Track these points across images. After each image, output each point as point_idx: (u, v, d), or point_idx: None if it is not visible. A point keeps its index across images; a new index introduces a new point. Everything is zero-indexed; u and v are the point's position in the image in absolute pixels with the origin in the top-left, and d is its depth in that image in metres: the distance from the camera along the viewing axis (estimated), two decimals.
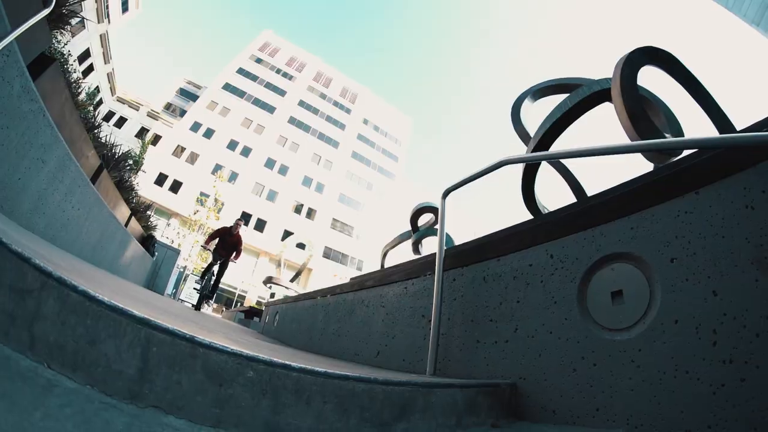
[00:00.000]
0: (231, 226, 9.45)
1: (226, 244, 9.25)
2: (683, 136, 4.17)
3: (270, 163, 52.06)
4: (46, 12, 3.98)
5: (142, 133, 45.84)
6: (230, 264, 9.66)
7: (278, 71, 61.03)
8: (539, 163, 5.00)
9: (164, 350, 0.91)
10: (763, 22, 41.97)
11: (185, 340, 0.93)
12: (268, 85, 58.37)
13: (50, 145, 4.51)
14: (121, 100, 46.95)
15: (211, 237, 9.28)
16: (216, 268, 9.38)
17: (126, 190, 10.10)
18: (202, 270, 9.66)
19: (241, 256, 9.52)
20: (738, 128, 3.73)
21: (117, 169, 9.30)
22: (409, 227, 9.80)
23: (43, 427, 0.67)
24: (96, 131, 8.36)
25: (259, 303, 36.30)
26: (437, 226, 2.87)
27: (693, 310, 1.60)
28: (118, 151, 9.83)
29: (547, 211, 5.06)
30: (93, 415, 0.74)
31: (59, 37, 8.25)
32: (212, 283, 9.27)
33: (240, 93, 55.29)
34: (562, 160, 5.81)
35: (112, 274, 6.84)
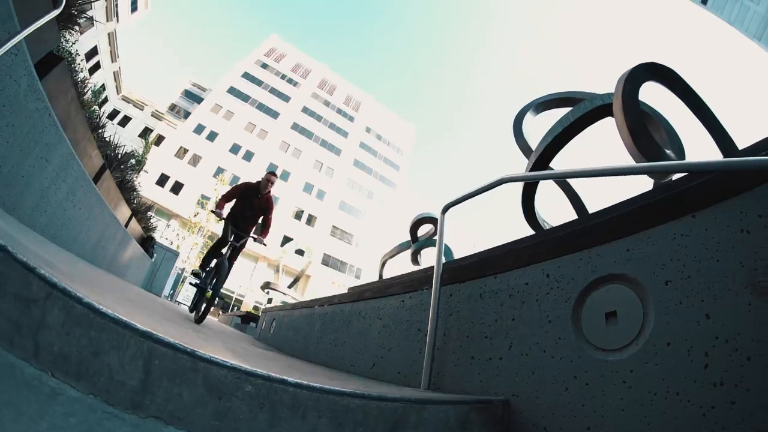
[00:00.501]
0: (259, 182, 6.27)
1: (251, 207, 6.25)
2: (684, 151, 4.25)
3: (272, 169, 52.12)
4: (55, 13, 4.03)
5: (145, 133, 46.13)
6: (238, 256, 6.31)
7: (283, 77, 61.43)
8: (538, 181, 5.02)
9: (166, 363, 0.94)
10: (765, 36, 42.58)
11: (186, 354, 0.96)
12: (273, 91, 58.70)
13: (54, 144, 4.57)
14: (126, 99, 47.15)
15: (227, 197, 6.25)
16: (225, 252, 5.94)
17: (127, 191, 10.12)
18: (205, 254, 6.33)
19: (246, 243, 6.21)
20: (739, 144, 3.79)
21: (119, 169, 9.32)
22: (408, 237, 9.84)
23: None
24: (100, 131, 8.42)
25: (256, 308, 36.23)
26: (436, 238, 2.91)
27: (686, 333, 1.62)
28: (121, 152, 9.86)
29: (547, 226, 5.10)
30: (96, 425, 0.77)
31: (67, 36, 8.33)
32: (219, 274, 5.53)
33: (245, 97, 55.58)
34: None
35: (111, 274, 6.86)
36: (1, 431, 0.64)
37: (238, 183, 6.64)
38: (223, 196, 6.27)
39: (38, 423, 0.72)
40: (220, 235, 6.35)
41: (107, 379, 0.89)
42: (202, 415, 0.93)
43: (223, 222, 6.30)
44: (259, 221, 6.50)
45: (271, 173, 6.41)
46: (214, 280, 5.59)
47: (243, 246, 6.17)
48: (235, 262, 6.17)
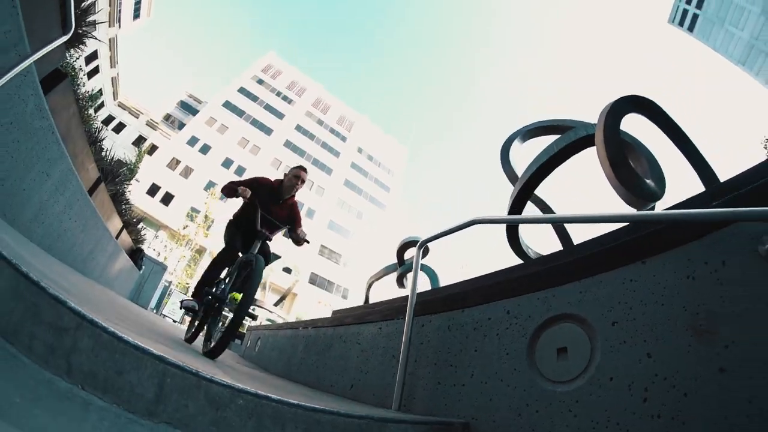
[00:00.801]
0: (281, 180, 4.48)
1: (267, 214, 4.20)
2: (664, 180, 4.35)
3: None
4: (64, 39, 4.23)
5: (139, 141, 45.91)
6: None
7: (278, 94, 61.71)
8: (524, 204, 5.18)
9: (176, 381, 1.17)
10: (749, 61, 44.16)
11: (192, 374, 1.19)
12: (268, 107, 58.90)
13: (56, 160, 4.75)
14: (122, 106, 47.00)
15: (238, 183, 4.25)
16: (243, 259, 3.95)
17: (120, 203, 10.26)
18: (203, 275, 4.22)
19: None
20: (719, 173, 3.88)
21: (114, 182, 9.49)
22: (395, 260, 9.98)
23: None
24: (98, 144, 8.60)
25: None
26: (410, 274, 3.11)
27: (628, 370, 1.78)
28: (116, 164, 10.02)
29: (531, 252, 5.23)
30: (123, 428, 0.99)
31: (72, 52, 8.56)
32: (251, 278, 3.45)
33: (239, 112, 55.72)
34: (547, 201, 6.00)
35: (101, 285, 6.99)
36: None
37: (254, 177, 4.48)
38: (232, 182, 4.30)
39: (83, 426, 0.94)
40: (224, 247, 4.27)
41: (128, 393, 1.11)
42: (203, 422, 1.15)
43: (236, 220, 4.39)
44: (282, 234, 4.44)
45: (301, 168, 4.45)
46: (241, 286, 3.70)
47: (266, 246, 4.33)
48: (269, 261, 4.24)
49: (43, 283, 1.22)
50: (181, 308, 4.32)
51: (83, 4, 6.62)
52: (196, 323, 4.33)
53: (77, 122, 6.57)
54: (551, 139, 4.94)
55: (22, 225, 4.41)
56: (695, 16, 53.47)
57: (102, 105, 39.45)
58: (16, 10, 3.51)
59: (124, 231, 10.85)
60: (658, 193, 3.95)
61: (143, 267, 13.42)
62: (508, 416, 2.14)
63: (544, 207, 6.11)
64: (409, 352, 2.76)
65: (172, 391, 1.15)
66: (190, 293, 4.50)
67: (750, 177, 2.25)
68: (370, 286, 10.58)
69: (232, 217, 4.56)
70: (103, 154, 9.00)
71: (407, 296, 3.02)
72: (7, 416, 0.76)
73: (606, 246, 2.29)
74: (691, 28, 54.74)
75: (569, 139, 4.53)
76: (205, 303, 4.10)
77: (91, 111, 10.30)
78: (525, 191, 4.68)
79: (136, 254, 12.59)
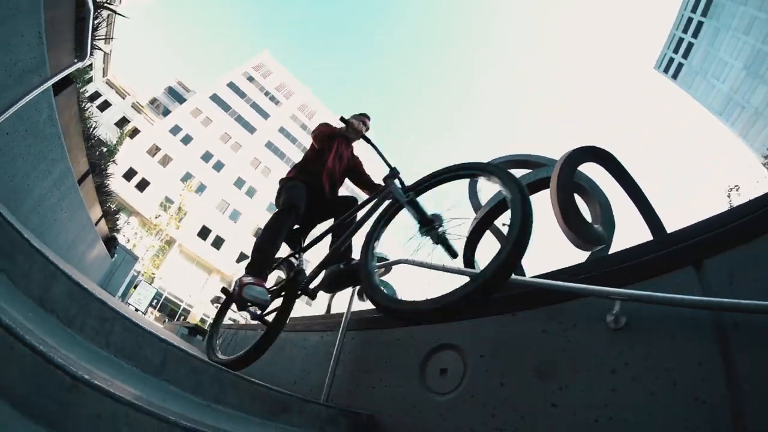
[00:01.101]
0: (343, 128, 3.67)
1: (341, 156, 4.06)
2: (614, 224, 4.59)
3: (239, 183, 51.58)
4: (80, 65, 4.74)
5: (123, 122, 44.93)
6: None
7: (267, 94, 61.09)
8: (483, 233, 5.61)
9: (174, 355, 1.88)
10: (726, 112, 46.21)
11: (183, 352, 1.93)
12: (254, 105, 58.31)
13: (58, 160, 5.24)
14: (110, 84, 46.02)
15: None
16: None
17: (103, 194, 10.70)
18: (272, 230, 3.24)
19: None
20: (667, 225, 4.21)
21: (101, 175, 9.98)
22: None
23: (134, 384, 1.64)
24: (92, 140, 9.12)
25: (203, 321, 35.41)
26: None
27: (484, 392, 2.27)
28: (97, 145, 10.44)
29: None
30: (143, 380, 1.72)
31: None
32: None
33: (226, 107, 55.18)
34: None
35: (79, 272, 7.47)
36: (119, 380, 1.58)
37: (331, 128, 3.81)
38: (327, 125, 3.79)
39: (121, 375, 1.65)
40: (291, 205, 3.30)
41: (144, 360, 1.82)
42: (188, 381, 1.85)
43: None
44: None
45: (366, 115, 4.00)
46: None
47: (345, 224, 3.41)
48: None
49: (90, 289, 1.94)
50: (242, 305, 3.09)
51: (95, 22, 7.19)
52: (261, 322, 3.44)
53: (76, 121, 7.09)
54: (522, 173, 5.33)
55: (22, 215, 4.82)
56: (680, 66, 55.90)
57: (90, 80, 39.01)
58: (41, 41, 3.87)
59: (103, 220, 11.23)
60: (604, 238, 4.26)
61: (116, 255, 13.73)
62: (400, 413, 2.76)
63: (500, 236, 6.35)
64: (339, 358, 3.37)
65: (171, 361, 1.87)
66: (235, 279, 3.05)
67: (623, 256, 2.45)
68: (332, 296, 11.04)
69: (290, 173, 3.83)
70: (93, 149, 9.49)
71: (342, 313, 3.72)
72: (96, 365, 1.48)
73: (493, 297, 2.91)
74: (675, 76, 57.12)
75: (528, 179, 4.99)
76: (289, 278, 3.26)
77: (91, 110, 10.72)
78: (484, 222, 5.24)
79: (110, 242, 12.93)
